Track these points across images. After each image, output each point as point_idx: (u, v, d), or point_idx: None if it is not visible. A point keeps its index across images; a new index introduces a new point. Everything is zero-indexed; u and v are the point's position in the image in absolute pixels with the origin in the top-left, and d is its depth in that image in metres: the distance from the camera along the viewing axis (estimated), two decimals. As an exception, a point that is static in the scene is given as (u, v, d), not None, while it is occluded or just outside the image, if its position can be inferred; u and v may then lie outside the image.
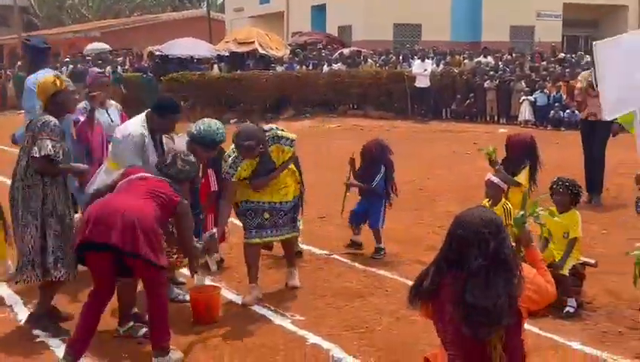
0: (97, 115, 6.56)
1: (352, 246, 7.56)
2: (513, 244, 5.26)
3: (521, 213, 4.19)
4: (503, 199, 6.29)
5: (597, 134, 9.64)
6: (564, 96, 18.88)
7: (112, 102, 6.95)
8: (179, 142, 5.85)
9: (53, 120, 5.26)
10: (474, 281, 3.17)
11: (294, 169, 6.30)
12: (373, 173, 7.40)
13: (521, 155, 6.85)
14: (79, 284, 5.67)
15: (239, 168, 5.92)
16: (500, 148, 7.09)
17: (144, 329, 5.20)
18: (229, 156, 5.94)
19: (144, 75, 22.64)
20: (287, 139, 6.05)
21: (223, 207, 6.07)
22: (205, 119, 5.91)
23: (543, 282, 3.41)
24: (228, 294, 6.21)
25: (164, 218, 4.88)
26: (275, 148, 6.01)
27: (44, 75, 6.02)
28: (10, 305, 6.01)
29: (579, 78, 10.04)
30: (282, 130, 6.10)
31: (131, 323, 5.31)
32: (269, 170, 6.03)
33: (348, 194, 7.71)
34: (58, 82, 5.36)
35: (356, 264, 7.09)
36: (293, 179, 6.27)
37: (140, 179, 4.94)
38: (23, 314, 5.78)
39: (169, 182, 4.98)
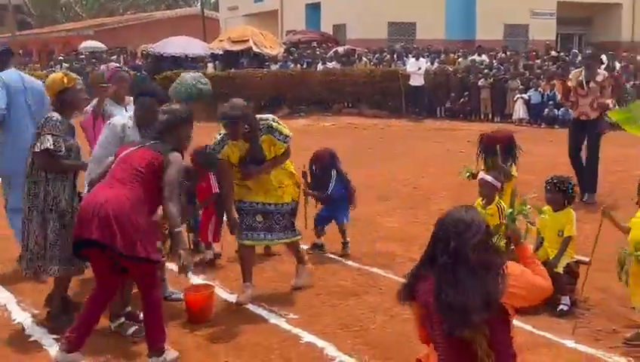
0: (115, 111, 6.39)
1: (314, 250, 7.50)
2: (503, 242, 5.31)
3: (510, 210, 4.21)
4: (497, 198, 6.30)
5: (589, 134, 9.62)
6: (558, 95, 18.91)
7: (132, 98, 6.84)
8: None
9: (56, 115, 5.32)
10: (442, 278, 3.24)
11: (293, 171, 6.19)
12: (327, 181, 7.42)
13: (505, 151, 6.89)
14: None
15: (226, 147, 5.78)
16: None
17: (134, 328, 5.20)
18: (218, 134, 5.82)
19: (138, 74, 22.58)
20: (282, 133, 5.85)
21: (225, 199, 6.00)
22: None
23: (532, 279, 3.41)
24: (222, 293, 6.21)
25: (153, 193, 4.67)
26: (267, 139, 5.82)
27: (6, 76, 6.46)
28: (4, 304, 6.00)
29: (569, 76, 10.04)
30: (279, 123, 5.93)
31: (122, 320, 5.30)
32: (259, 161, 5.86)
33: (307, 205, 7.46)
34: (66, 80, 5.38)
35: (350, 262, 7.10)
36: (293, 181, 6.15)
37: (123, 161, 4.76)
38: (16, 313, 5.77)
39: (153, 145, 4.79)
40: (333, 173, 7.43)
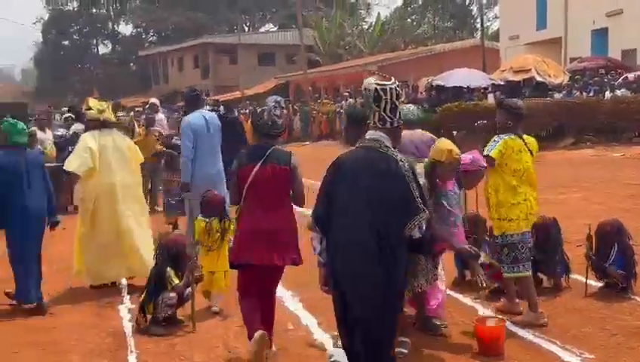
0: None
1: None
2: None
3: None
4: None
5: None
6: None
7: None
8: None
9: None
10: None
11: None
12: (605, 254, 6.85)
13: None
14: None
15: (497, 145, 6.00)
16: None
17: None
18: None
19: (419, 107, 23.22)
20: None
21: None
22: None
23: None
24: (512, 327, 6.14)
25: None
26: None
27: (193, 120, 8.40)
28: (306, 325, 6.51)
29: None
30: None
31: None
32: None
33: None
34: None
35: (649, 302, 6.66)
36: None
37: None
38: (318, 334, 6.21)
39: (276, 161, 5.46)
40: (614, 248, 6.88)
